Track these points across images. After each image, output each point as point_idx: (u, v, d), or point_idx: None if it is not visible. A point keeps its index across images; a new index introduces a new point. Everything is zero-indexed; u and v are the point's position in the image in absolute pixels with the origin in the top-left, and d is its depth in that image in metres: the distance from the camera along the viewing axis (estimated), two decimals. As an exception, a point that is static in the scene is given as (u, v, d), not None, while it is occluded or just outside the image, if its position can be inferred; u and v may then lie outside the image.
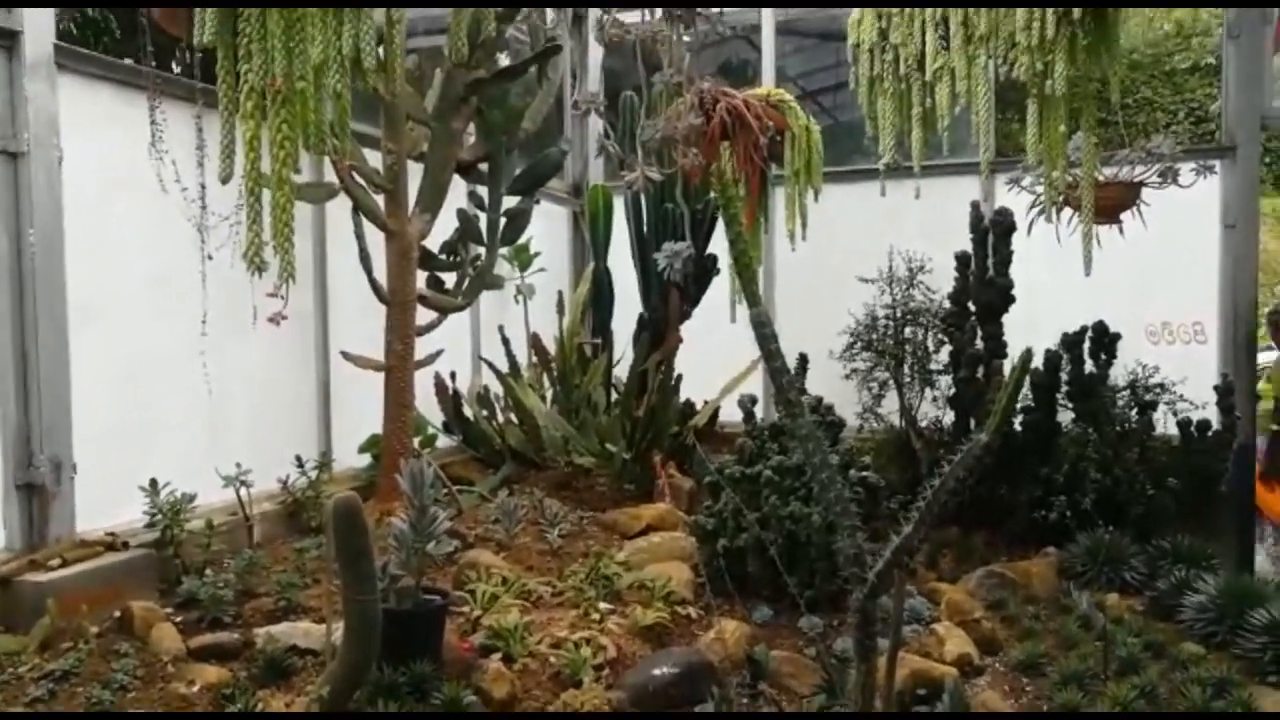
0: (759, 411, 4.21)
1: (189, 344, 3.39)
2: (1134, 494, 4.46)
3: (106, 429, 3.31)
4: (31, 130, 2.91)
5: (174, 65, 3.63)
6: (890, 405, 5.19)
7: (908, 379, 5.18)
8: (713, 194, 4.78)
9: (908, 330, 5.22)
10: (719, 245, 5.01)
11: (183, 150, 3.17)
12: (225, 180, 1.76)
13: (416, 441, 4.37)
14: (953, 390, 4.94)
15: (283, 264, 1.72)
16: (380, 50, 1.86)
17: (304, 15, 1.68)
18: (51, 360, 3.06)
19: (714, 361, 5.28)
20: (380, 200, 4.01)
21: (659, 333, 5.26)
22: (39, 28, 2.93)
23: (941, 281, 5.17)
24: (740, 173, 4.03)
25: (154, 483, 3.29)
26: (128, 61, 3.41)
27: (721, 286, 4.84)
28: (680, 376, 5.03)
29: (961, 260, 4.90)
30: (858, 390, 5.20)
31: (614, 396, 5.15)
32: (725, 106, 3.76)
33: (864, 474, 3.87)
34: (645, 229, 5.46)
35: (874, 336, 5.22)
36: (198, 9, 1.71)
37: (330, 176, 3.90)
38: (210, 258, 3.12)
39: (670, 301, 5.20)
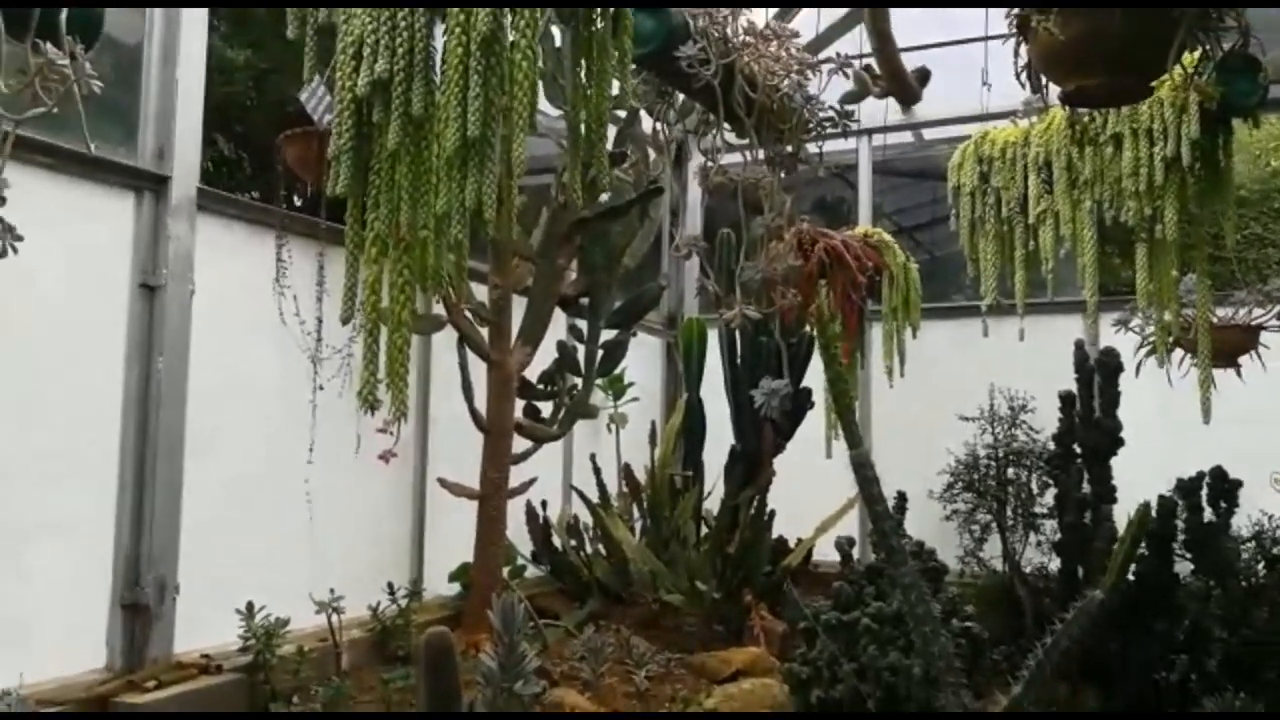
0: (855, 552, 4.08)
1: (293, 469, 3.48)
2: (1267, 655, 4.13)
3: (207, 549, 3.39)
4: (170, 266, 3.11)
5: (295, 198, 3.87)
6: (993, 549, 4.99)
7: (1011, 522, 4.98)
8: (808, 327, 4.80)
9: (1010, 471, 5.05)
10: (813, 379, 4.99)
11: (303, 284, 3.34)
12: (346, 320, 1.83)
13: (505, 571, 4.35)
14: (1058, 535, 4.73)
15: (396, 403, 1.76)
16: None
17: (430, 168, 1.76)
18: (166, 484, 3.17)
19: (808, 497, 5.18)
20: (485, 332, 4.12)
21: (752, 467, 5.20)
22: (186, 172, 3.18)
23: (1045, 421, 5.02)
24: (837, 310, 4.04)
25: (250, 606, 3.33)
26: (253, 199, 3.64)
27: (816, 421, 4.80)
28: (773, 512, 4.94)
29: (1066, 400, 4.75)
30: (958, 532, 5.02)
31: (704, 531, 5.07)
32: (824, 247, 3.81)
33: (967, 624, 3.68)
34: (739, 362, 5.47)
35: (975, 477, 5.06)
36: (334, 162, 1.81)
37: (438, 309, 4.04)
38: (321, 388, 3.24)
39: (764, 435, 5.16)
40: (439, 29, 1.83)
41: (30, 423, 2.87)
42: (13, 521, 2.83)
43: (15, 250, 1.94)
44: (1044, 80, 2.34)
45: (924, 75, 2.73)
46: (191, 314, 3.22)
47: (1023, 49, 2.23)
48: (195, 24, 3.29)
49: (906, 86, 2.38)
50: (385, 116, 1.76)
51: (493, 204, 1.71)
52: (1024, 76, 2.32)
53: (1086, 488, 4.66)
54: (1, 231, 1.96)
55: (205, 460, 3.34)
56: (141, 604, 3.10)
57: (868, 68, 3.40)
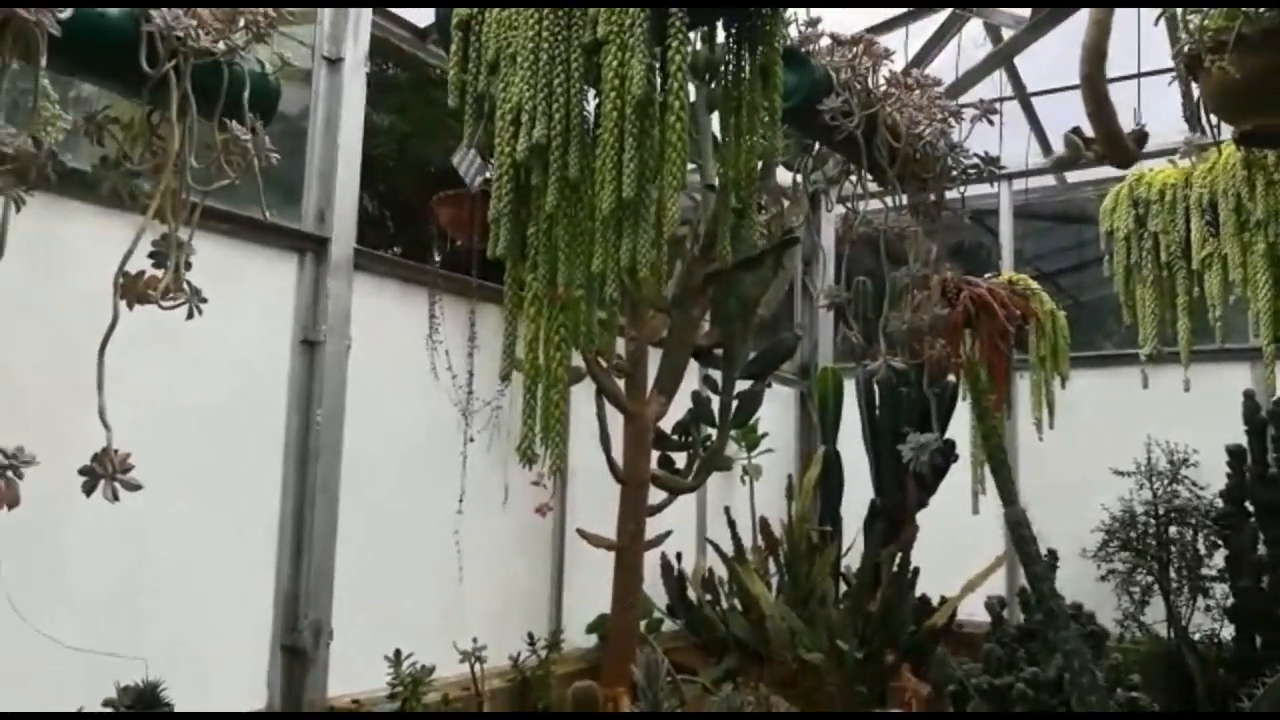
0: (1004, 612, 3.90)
1: (441, 519, 3.57)
2: None
3: (358, 595, 3.50)
4: (329, 322, 3.28)
5: (437, 253, 4.03)
6: (1155, 613, 4.69)
7: (1175, 585, 4.67)
8: (951, 377, 4.65)
9: (1172, 529, 4.75)
10: (955, 430, 4.83)
11: (454, 339, 3.46)
12: (505, 377, 1.88)
13: (642, 624, 4.34)
14: (1231, 600, 4.40)
15: (553, 458, 1.79)
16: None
17: (586, 229, 1.80)
18: (323, 531, 3.31)
19: (951, 554, 4.98)
20: (621, 383, 4.16)
21: (893, 522, 5.05)
22: (344, 233, 3.36)
23: (1209, 476, 4.72)
24: (983, 360, 3.91)
25: (398, 654, 3.41)
26: (396, 254, 3.80)
27: (960, 474, 4.63)
28: (917, 570, 4.77)
29: (1235, 454, 4.46)
30: (1116, 594, 4.74)
31: (844, 588, 4.94)
32: (969, 295, 3.71)
33: (1133, 694, 3.45)
34: (878, 412, 5.35)
35: (1133, 535, 4.78)
36: (494, 225, 1.87)
37: (577, 361, 4.11)
38: (471, 440, 3.33)
39: (906, 490, 5.01)
40: (591, 93, 1.89)
41: (201, 468, 3.04)
42: (184, 563, 2.99)
43: (201, 312, 2.08)
44: (1214, 120, 2.23)
45: (1141, 137, 2.62)
46: (348, 368, 3.37)
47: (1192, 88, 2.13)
48: (355, 94, 3.49)
49: (1123, 150, 2.30)
50: (543, 180, 1.82)
51: (647, 263, 1.73)
52: (1193, 116, 2.21)
53: (1262, 549, 4.35)
54: (190, 294, 2.10)
55: (358, 509, 3.47)
56: (299, 647, 3.22)
57: (1077, 130, 3.30)
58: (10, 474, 1.69)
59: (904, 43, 4.20)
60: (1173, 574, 4.67)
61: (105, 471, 1.88)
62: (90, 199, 2.58)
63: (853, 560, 4.93)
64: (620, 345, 4.29)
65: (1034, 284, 4.38)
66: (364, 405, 3.48)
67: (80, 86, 2.62)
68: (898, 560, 4.64)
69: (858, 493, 5.47)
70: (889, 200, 3.15)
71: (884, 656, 4.37)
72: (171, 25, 1.94)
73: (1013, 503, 2.70)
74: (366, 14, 3.57)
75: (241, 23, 2.14)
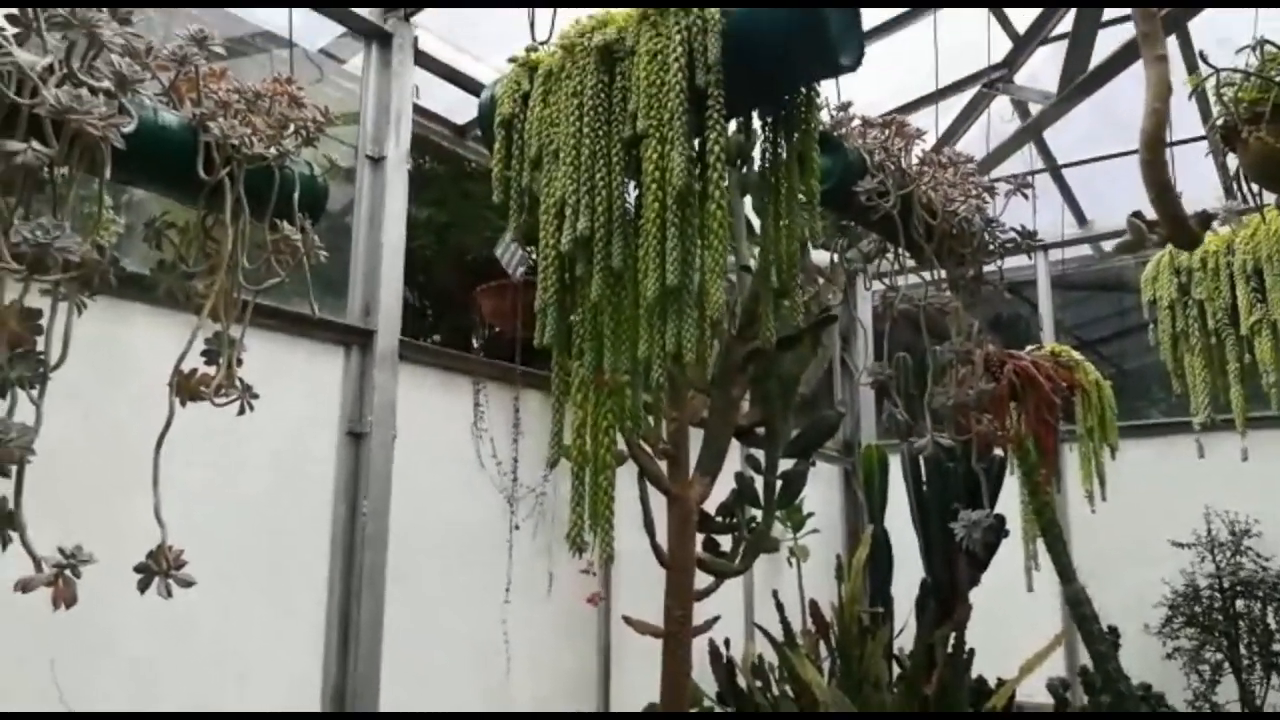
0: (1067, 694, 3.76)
1: (487, 607, 3.55)
2: None
3: (406, 686, 3.46)
4: (375, 413, 3.32)
5: (474, 340, 4.08)
6: (1227, 692, 4.50)
7: (1247, 661, 4.50)
8: (997, 452, 4.58)
9: (1239, 603, 4.59)
10: (1004, 505, 4.74)
11: (499, 426, 3.48)
12: (554, 464, 1.89)
13: (692, 713, 4.23)
14: (1308, 677, 4.23)
15: (602, 546, 1.78)
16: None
17: (630, 316, 1.82)
18: (370, 621, 3.29)
19: (1005, 633, 4.84)
20: (663, 465, 4.14)
21: (946, 601, 4.93)
22: (389, 325, 3.42)
23: (1274, 547, 4.58)
24: (1029, 433, 3.86)
25: (447, 746, 3.36)
26: (435, 343, 3.85)
27: (1011, 551, 4.53)
28: (972, 651, 4.64)
29: (1300, 524, 4.33)
30: (1184, 673, 4.57)
31: (898, 671, 4.80)
32: (1013, 369, 3.68)
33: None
34: (925, 489, 5.27)
35: (1198, 610, 4.62)
36: (540, 314, 1.90)
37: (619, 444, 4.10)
38: (517, 527, 3.32)
39: (958, 568, 4.90)
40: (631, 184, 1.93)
41: (249, 560, 3.06)
42: (233, 655, 2.99)
43: (252, 408, 2.12)
44: (1254, 188, 2.22)
45: (1206, 220, 2.61)
46: (393, 458, 3.40)
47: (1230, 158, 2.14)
48: (397, 190, 3.59)
49: (1188, 233, 2.28)
50: (587, 270, 1.85)
51: (692, 348, 1.74)
52: (1232, 185, 2.21)
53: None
54: (241, 391, 2.15)
55: (405, 599, 3.45)
56: (346, 741, 3.18)
57: (1138, 214, 3.30)
58: (68, 572, 1.72)
59: (934, 120, 4.25)
60: (1243, 650, 4.49)
61: (160, 568, 1.90)
62: (146, 300, 2.66)
63: (905, 641, 4.80)
64: (653, 423, 4.28)
65: (1077, 354, 4.33)
66: (409, 494, 3.49)
67: (131, 191, 2.72)
68: (952, 641, 4.51)
69: (907, 571, 5.36)
70: (927, 275, 3.16)
71: (943, 743, 4.22)
72: (227, 134, 2.02)
73: (1071, 580, 2.64)
74: (408, 114, 3.69)
75: (291, 128, 2.23)
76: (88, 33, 1.70)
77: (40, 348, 1.73)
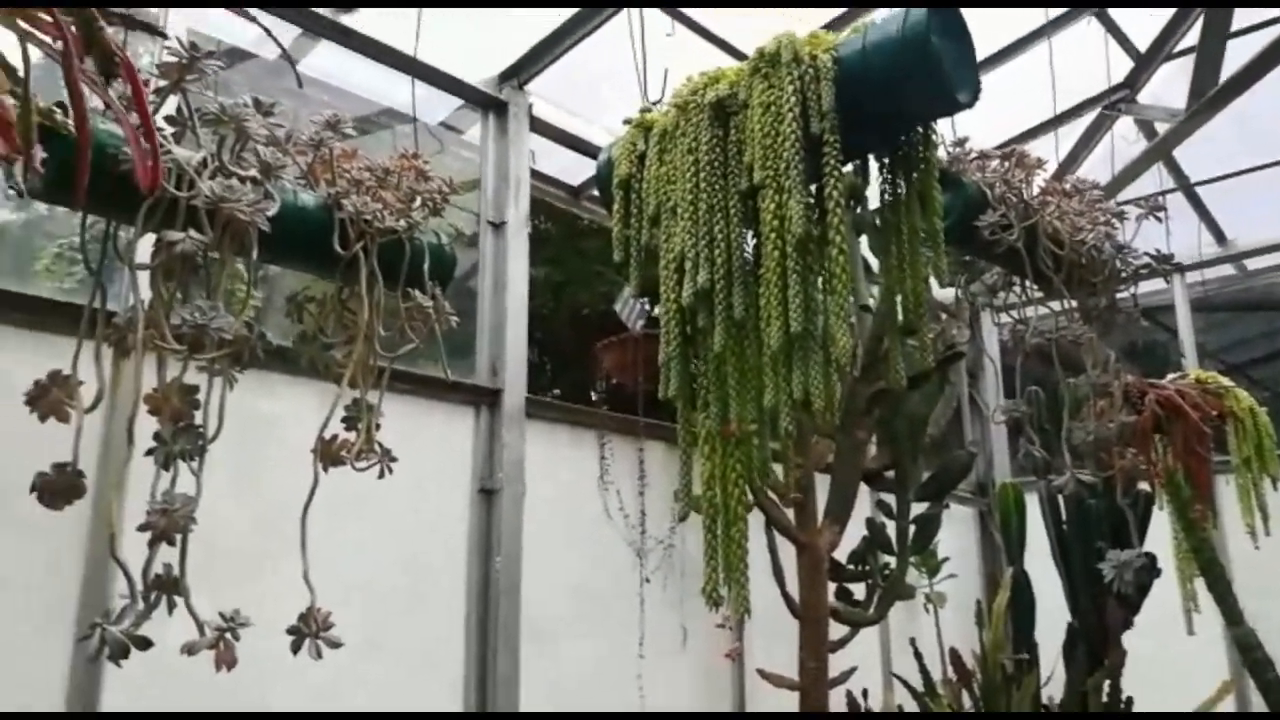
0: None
1: (621, 662, 3.54)
2: None
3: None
4: (505, 470, 3.39)
5: (592, 393, 4.13)
6: None
7: None
8: (1143, 486, 4.35)
9: None
10: (1153, 543, 4.48)
11: (624, 479, 3.50)
12: (684, 518, 1.89)
13: (833, 768, 4.11)
14: None
15: (737, 599, 1.77)
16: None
17: (754, 365, 1.82)
18: (506, 678, 3.33)
19: (1166, 679, 4.54)
20: (790, 513, 4.08)
21: (1096, 646, 4.67)
22: (515, 384, 3.51)
23: None
24: (1178, 466, 3.65)
25: (586, 803, 3.35)
26: (555, 398, 3.91)
27: (1164, 589, 4.26)
28: (1130, 699, 4.37)
29: None
30: (1373, 723, 4.18)
31: (1049, 722, 4.56)
32: (1156, 399, 3.50)
33: None
34: (1065, 528, 5.03)
35: (1384, 653, 4.24)
36: (664, 367, 1.91)
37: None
38: (648, 580, 3.32)
39: (1107, 611, 4.64)
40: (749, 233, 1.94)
41: (389, 616, 3.14)
42: (376, 706, 3.05)
43: (391, 471, 2.20)
44: None
45: None
46: (523, 513, 3.45)
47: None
48: (518, 253, 3.70)
49: None
50: (709, 321, 1.86)
51: (821, 394, 1.73)
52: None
53: None
54: (381, 455, 2.23)
55: (539, 655, 3.48)
56: (487, 799, 3.21)
57: None
58: (228, 635, 1.80)
59: (1054, 147, 4.13)
60: None
61: (310, 630, 1.98)
62: (285, 370, 2.79)
63: (1052, 690, 4.56)
64: (781, 472, 4.23)
65: (1225, 380, 4.09)
66: (540, 549, 3.53)
67: (265, 267, 2.89)
68: (1107, 688, 4.26)
69: (1049, 615, 5.10)
70: (1057, 306, 3.06)
71: (1105, 800, 3.97)
72: (360, 210, 2.13)
73: (1238, 622, 2.47)
74: (525, 179, 3.81)
75: (419, 200, 2.33)
76: (237, 127, 1.82)
77: (198, 421, 1.84)
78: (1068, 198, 2.93)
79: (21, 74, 0.83)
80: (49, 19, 0.78)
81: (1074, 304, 3.07)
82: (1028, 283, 3.09)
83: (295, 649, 1.94)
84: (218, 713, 2.64)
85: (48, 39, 0.80)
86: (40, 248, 3.03)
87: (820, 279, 1.81)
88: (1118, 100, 4.79)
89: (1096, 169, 4.83)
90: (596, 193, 4.26)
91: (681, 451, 1.96)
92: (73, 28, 0.77)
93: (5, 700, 2.32)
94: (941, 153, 2.72)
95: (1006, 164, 2.79)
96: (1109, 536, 4.40)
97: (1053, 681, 4.72)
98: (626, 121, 2.19)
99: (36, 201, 2.60)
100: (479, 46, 3.78)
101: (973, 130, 2.83)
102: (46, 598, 2.43)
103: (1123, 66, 4.75)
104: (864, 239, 2.40)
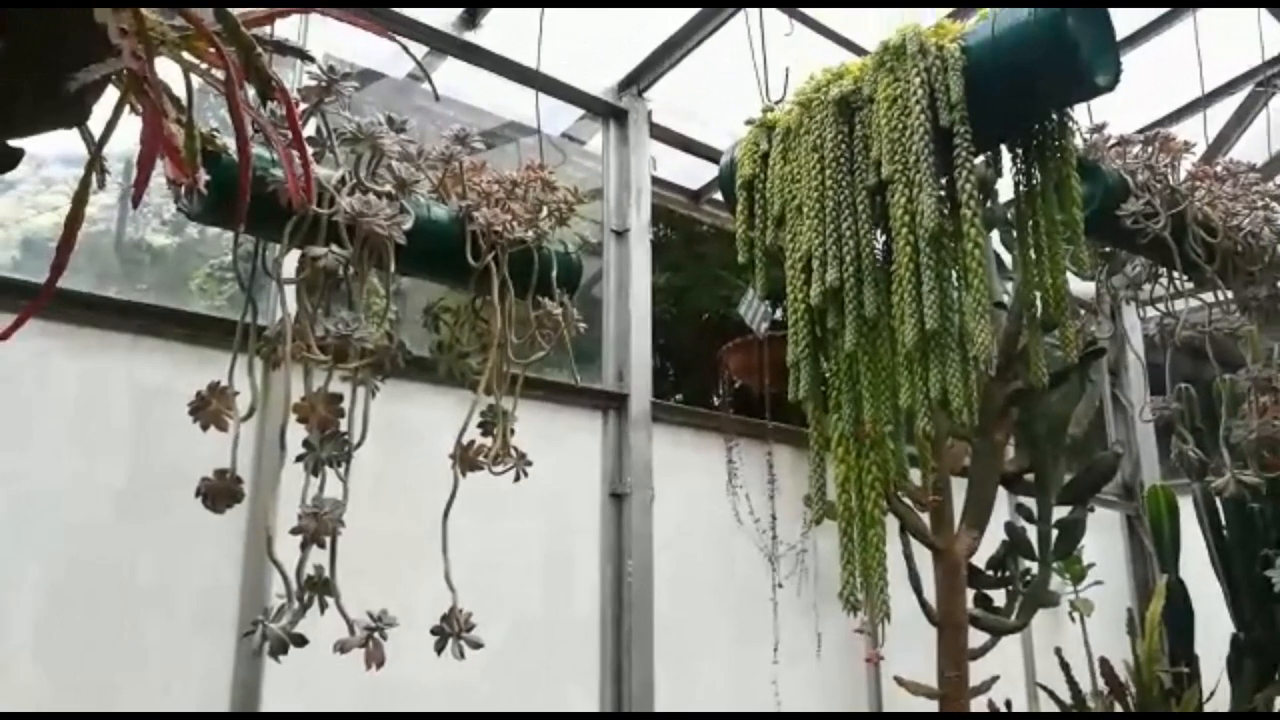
0: None
1: (751, 669, 3.51)
2: None
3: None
4: (633, 474, 3.42)
5: (714, 398, 4.11)
6: None
7: None
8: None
9: None
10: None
11: (753, 483, 3.48)
12: (818, 522, 1.86)
13: (976, 781, 3.97)
14: None
15: (875, 603, 1.73)
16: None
17: (889, 365, 1.78)
18: (641, 683, 3.35)
19: (1346, 696, 4.22)
20: (925, 518, 3.98)
21: (1267, 659, 4.37)
22: (641, 389, 3.54)
23: None
24: (1354, 465, 3.38)
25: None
26: (679, 403, 3.91)
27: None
28: (1304, 717, 4.07)
29: None
30: None
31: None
32: (1326, 393, 3.25)
33: None
34: (1225, 533, 4.73)
35: None
36: (793, 369, 1.89)
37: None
38: (780, 585, 3.28)
39: (1277, 621, 4.34)
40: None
41: (525, 619, 3.20)
42: (514, 706, 3.11)
43: (526, 475, 2.24)
44: None
45: None
46: (653, 518, 3.47)
47: None
48: (641, 260, 3.73)
49: None
50: (839, 321, 1.83)
51: (959, 393, 1.68)
52: None
53: None
54: (516, 459, 2.28)
55: (670, 660, 3.49)
56: (624, 807, 3.23)
57: None
58: (377, 635, 1.88)
59: (1203, 128, 3.89)
60: None
61: (452, 630, 2.04)
62: (422, 379, 2.88)
63: (1216, 705, 4.29)
64: (916, 476, 4.12)
65: (1407, 372, 3.77)
66: (670, 554, 3.54)
67: (398, 279, 2.98)
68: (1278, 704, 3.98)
69: (1208, 626, 4.80)
70: (1210, 298, 2.88)
71: (1278, 824, 3.71)
72: (490, 222, 2.18)
73: None
74: (647, 186, 3.84)
75: (545, 211, 2.38)
76: (372, 145, 1.90)
77: (343, 429, 1.93)
78: (1219, 182, 2.76)
79: (185, 103, 0.89)
80: (212, 50, 0.84)
81: (1229, 294, 2.89)
82: (1175, 273, 2.93)
83: (439, 649, 2.00)
84: (363, 713, 2.74)
85: (209, 68, 0.86)
86: (194, 268, 3.23)
87: (955, 274, 1.76)
88: (1273, 75, 4.49)
89: (1251, 150, 4.53)
90: (717, 196, 4.25)
91: (813, 454, 1.93)
92: (234, 57, 0.83)
93: (179, 690, 2.47)
94: (1078, 140, 2.61)
95: (1150, 149, 2.65)
96: (1274, 543, 4.13)
97: (1216, 696, 4.45)
98: (749, 122, 2.18)
99: (192, 223, 2.77)
100: (598, 56, 3.84)
101: (1111, 115, 2.69)
102: (211, 598, 2.58)
103: (1277, 39, 4.44)
104: (995, 234, 2.32)
